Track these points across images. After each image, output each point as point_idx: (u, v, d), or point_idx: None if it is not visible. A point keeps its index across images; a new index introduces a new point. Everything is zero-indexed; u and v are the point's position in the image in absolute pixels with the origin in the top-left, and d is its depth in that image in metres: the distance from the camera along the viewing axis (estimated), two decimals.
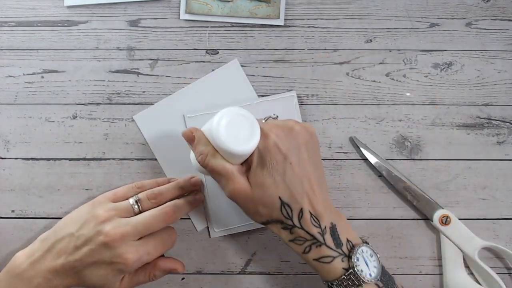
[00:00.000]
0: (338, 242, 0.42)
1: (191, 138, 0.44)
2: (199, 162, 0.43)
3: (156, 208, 0.45)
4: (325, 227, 0.42)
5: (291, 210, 0.42)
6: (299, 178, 0.42)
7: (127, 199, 0.46)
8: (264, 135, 0.43)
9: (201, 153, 0.43)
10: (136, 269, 0.46)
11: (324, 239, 0.41)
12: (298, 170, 0.42)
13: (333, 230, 0.42)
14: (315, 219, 0.42)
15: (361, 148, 0.51)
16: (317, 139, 0.45)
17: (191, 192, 0.49)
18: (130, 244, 0.43)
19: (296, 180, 0.42)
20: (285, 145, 0.43)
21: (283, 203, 0.42)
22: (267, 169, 0.42)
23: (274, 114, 0.47)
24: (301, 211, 0.42)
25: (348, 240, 0.42)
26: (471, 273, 0.51)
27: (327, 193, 0.45)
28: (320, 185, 0.43)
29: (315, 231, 0.41)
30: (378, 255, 0.43)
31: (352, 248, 0.42)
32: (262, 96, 0.52)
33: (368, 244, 0.43)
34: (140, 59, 0.52)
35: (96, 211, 0.45)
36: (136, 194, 0.46)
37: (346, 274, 0.41)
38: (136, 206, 0.45)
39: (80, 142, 0.51)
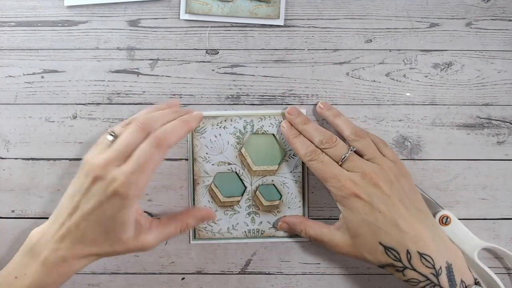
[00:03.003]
0: (453, 283, 0.41)
1: (286, 227, 0.50)
2: (304, 236, 0.49)
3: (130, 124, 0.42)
4: (440, 268, 0.41)
5: (398, 253, 0.42)
6: (393, 221, 0.42)
7: None
8: (341, 186, 0.44)
9: (300, 230, 0.48)
10: (165, 220, 0.45)
11: (438, 280, 0.41)
12: (389, 214, 0.43)
13: (449, 270, 0.41)
14: (427, 259, 0.41)
15: None
16: (404, 171, 0.46)
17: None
18: (118, 168, 0.40)
19: (390, 224, 0.42)
20: (366, 192, 0.43)
21: (386, 248, 0.42)
22: (357, 221, 0.44)
23: (352, 148, 0.46)
24: (408, 252, 0.42)
25: (462, 281, 0.41)
26: None
27: (437, 226, 0.44)
28: (422, 220, 0.43)
29: (427, 271, 0.41)
30: None
31: None
32: (262, 96, 0.52)
33: (480, 284, 0.42)
34: (140, 59, 0.52)
35: (82, 164, 0.42)
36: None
37: None
38: (111, 137, 0.42)
39: (80, 142, 0.51)
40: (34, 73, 0.52)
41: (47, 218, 0.51)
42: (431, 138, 0.52)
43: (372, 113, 0.52)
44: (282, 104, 0.52)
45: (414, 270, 0.41)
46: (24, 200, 0.51)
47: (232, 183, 0.51)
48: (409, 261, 0.42)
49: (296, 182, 0.51)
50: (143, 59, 0.52)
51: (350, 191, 0.44)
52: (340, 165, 0.46)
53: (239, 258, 0.52)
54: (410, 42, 0.52)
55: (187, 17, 0.52)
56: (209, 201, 0.51)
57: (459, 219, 0.50)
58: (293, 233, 0.51)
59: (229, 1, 0.51)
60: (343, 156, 0.45)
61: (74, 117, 0.52)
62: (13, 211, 0.51)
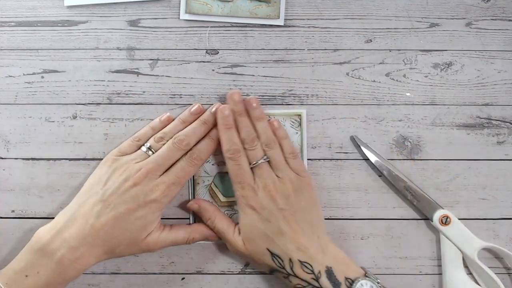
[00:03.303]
0: (336, 283, 0.44)
1: (196, 208, 0.50)
2: (208, 226, 0.49)
3: (169, 140, 0.47)
4: (319, 272, 0.45)
5: (282, 260, 0.45)
6: (280, 231, 0.46)
7: (134, 152, 0.48)
8: (243, 194, 0.47)
9: (208, 218, 0.49)
10: (176, 227, 0.48)
11: (319, 283, 0.44)
12: (277, 225, 0.46)
13: (329, 272, 0.45)
14: (306, 266, 0.45)
15: (362, 147, 0.51)
16: (306, 185, 0.48)
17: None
18: (160, 178, 0.46)
19: (277, 234, 0.46)
20: (261, 204, 0.46)
21: (272, 254, 0.46)
22: (250, 226, 0.47)
23: (266, 158, 0.48)
24: (291, 260, 0.45)
25: (346, 278, 0.45)
26: (470, 273, 0.51)
27: (322, 237, 0.47)
28: (308, 232, 0.46)
29: (308, 277, 0.45)
30: (379, 283, 0.45)
31: (351, 284, 0.44)
32: (262, 96, 0.52)
33: (368, 276, 0.45)
34: (140, 59, 0.52)
35: (114, 167, 0.46)
36: (141, 143, 0.49)
37: None
38: (150, 152, 0.47)
39: (80, 142, 0.51)
40: (34, 73, 0.52)
41: (47, 218, 0.51)
42: (431, 138, 0.52)
43: (372, 113, 0.52)
44: (282, 104, 0.52)
45: (297, 276, 0.45)
46: (24, 200, 0.51)
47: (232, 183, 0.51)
48: (291, 268, 0.45)
49: None
50: (143, 59, 0.52)
51: (248, 202, 0.47)
52: (251, 168, 0.48)
53: (239, 258, 0.52)
54: (410, 42, 0.52)
55: (187, 17, 0.52)
56: (209, 201, 0.51)
57: (459, 219, 0.50)
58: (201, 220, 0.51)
59: (229, 1, 0.51)
60: (255, 162, 0.47)
61: (74, 117, 0.52)
62: (13, 211, 0.51)
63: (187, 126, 0.48)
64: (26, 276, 0.43)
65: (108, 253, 0.45)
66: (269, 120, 0.50)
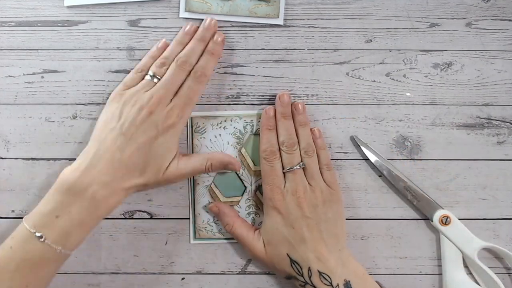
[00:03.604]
0: None
1: (216, 211, 0.50)
2: (227, 231, 0.50)
3: (171, 64, 0.48)
4: (337, 284, 0.45)
5: (301, 268, 0.46)
6: (302, 239, 0.46)
7: (139, 83, 0.48)
8: (271, 197, 0.47)
9: (227, 223, 0.49)
10: (194, 155, 0.49)
11: None
12: (300, 232, 0.46)
13: (347, 286, 0.45)
14: (325, 277, 0.45)
15: (362, 147, 0.51)
16: (336, 198, 0.48)
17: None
18: (171, 103, 0.46)
19: (299, 241, 0.46)
20: (287, 209, 0.46)
21: (292, 260, 0.46)
22: (272, 229, 0.47)
23: (302, 164, 0.48)
24: (309, 269, 0.45)
25: None
26: (470, 273, 0.51)
27: (344, 250, 0.48)
28: (330, 244, 0.46)
29: None
30: None
31: None
32: (262, 96, 0.52)
33: None
34: (140, 59, 0.52)
35: (123, 100, 0.46)
36: (144, 73, 0.48)
37: None
38: (155, 79, 0.47)
39: (80, 142, 0.51)
40: (34, 73, 0.52)
41: None
42: (431, 138, 0.52)
43: (372, 113, 0.52)
44: None
45: (314, 286, 0.45)
46: (24, 200, 0.51)
47: (232, 183, 0.51)
48: (309, 277, 0.45)
49: None
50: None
51: (274, 204, 0.47)
52: (284, 172, 0.48)
53: (239, 258, 0.52)
54: (410, 42, 0.52)
55: (187, 15, 0.52)
56: (209, 201, 0.51)
57: (459, 219, 0.50)
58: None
59: (228, 0, 0.51)
60: (289, 168, 0.48)
61: (74, 117, 0.52)
62: (13, 211, 0.51)
63: (184, 47, 0.49)
64: (57, 216, 0.42)
65: (138, 186, 0.45)
66: (311, 128, 0.50)
